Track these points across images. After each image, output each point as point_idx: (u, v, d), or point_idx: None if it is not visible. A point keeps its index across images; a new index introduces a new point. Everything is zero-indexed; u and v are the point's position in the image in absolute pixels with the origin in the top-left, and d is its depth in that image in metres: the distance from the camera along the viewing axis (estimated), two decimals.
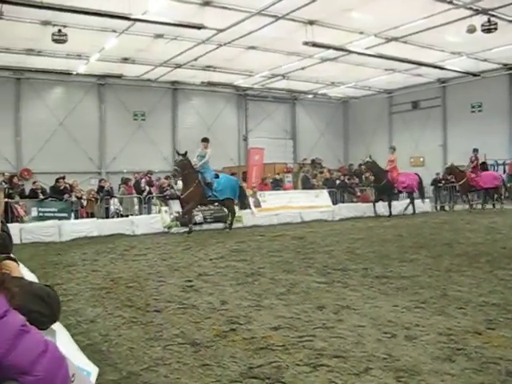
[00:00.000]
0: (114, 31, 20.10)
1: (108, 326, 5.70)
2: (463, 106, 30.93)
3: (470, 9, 18.80)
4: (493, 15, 18.98)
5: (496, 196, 23.19)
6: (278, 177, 23.08)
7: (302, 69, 27.18)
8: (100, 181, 19.96)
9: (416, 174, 22.95)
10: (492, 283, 7.32)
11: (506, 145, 28.90)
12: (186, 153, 15.57)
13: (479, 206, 24.49)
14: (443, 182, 24.43)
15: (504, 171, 28.12)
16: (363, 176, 24.01)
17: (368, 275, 8.12)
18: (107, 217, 16.85)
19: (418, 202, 23.16)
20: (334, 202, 20.55)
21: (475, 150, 23.09)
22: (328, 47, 21.84)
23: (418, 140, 33.40)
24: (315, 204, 19.02)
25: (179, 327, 5.50)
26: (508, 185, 26.96)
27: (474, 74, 27.74)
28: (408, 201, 22.02)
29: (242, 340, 5.02)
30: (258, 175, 22.86)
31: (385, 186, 20.56)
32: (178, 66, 26.11)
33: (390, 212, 20.53)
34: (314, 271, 8.57)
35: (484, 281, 7.47)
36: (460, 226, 15.80)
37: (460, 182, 22.57)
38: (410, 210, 21.36)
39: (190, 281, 8.01)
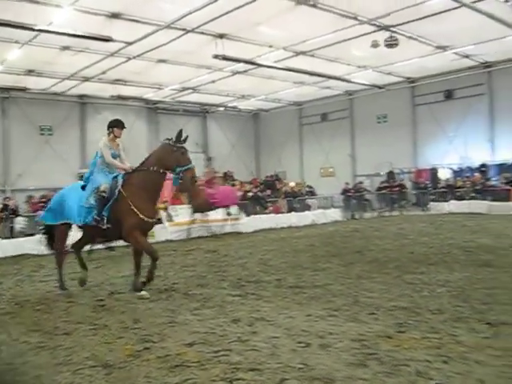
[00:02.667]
0: (17, 42, 19.36)
1: (13, 353, 5.41)
2: (370, 117, 32.07)
3: (374, 25, 19.60)
4: (394, 31, 19.88)
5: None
6: None
7: (213, 82, 27.27)
8: (4, 199, 19.08)
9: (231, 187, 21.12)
10: (401, 287, 7.61)
11: (410, 154, 30.15)
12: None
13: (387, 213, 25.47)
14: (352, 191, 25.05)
15: (410, 179, 29.40)
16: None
17: (281, 286, 8.20)
18: (12, 236, 16.08)
19: (330, 211, 23.75)
20: (247, 214, 20.64)
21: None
22: (238, 60, 22.00)
23: (327, 151, 34.24)
24: (228, 217, 19.00)
25: (90, 349, 5.31)
26: (413, 192, 28.21)
27: (379, 87, 28.84)
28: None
29: (156, 358, 4.91)
30: (170, 189, 22.61)
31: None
32: (86, 79, 25.50)
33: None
34: (228, 284, 8.56)
35: (393, 286, 7.74)
36: (370, 234, 16.29)
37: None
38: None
39: (101, 300, 7.78)
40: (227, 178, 28.33)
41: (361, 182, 27.80)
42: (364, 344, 5.03)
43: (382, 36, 19.83)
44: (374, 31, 19.98)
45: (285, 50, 22.35)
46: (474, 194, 24.61)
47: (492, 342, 4.95)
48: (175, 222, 18.25)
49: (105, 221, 7.92)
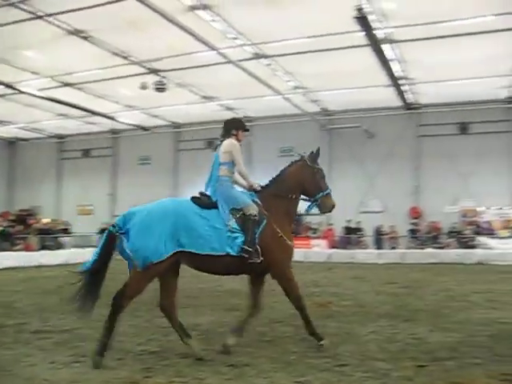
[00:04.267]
0: None
1: None
2: (133, 158, 32.17)
3: (144, 67, 19.96)
4: (164, 76, 20.42)
5: None
6: None
7: None
8: None
9: None
10: (151, 331, 7.59)
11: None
12: None
13: None
14: None
15: None
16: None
17: (24, 331, 7.59)
18: None
19: (86, 250, 22.90)
20: None
21: None
22: None
23: (87, 188, 33.30)
24: None
25: None
26: None
27: (145, 129, 29.18)
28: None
29: None
30: None
31: None
32: None
33: None
34: None
35: (144, 329, 7.70)
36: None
37: None
38: None
39: None
40: None
41: None
42: None
43: (152, 79, 20.22)
44: (144, 73, 20.37)
45: (52, 79, 21.52)
46: None
47: (235, 383, 5.10)
48: None
49: (260, 252, 6.06)
